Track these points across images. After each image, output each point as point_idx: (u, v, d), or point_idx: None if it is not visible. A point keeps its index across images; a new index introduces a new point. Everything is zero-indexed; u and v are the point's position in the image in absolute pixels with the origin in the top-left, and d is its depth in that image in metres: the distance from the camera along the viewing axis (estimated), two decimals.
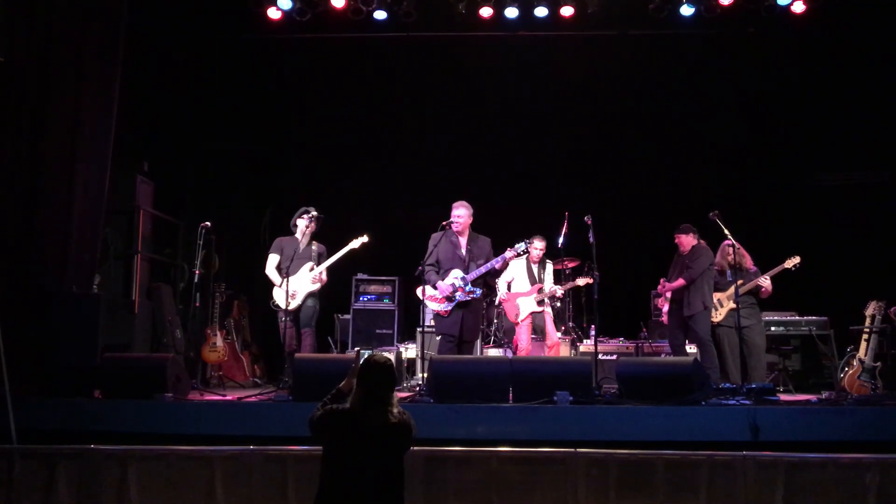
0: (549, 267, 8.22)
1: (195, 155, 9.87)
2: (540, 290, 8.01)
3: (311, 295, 7.48)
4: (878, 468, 5.13)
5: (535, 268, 8.13)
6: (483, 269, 6.86)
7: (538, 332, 8.12)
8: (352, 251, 7.54)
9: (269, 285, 7.54)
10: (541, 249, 8.11)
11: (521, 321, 8.03)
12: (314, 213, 7.56)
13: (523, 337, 8.02)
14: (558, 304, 8.67)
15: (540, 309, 8.03)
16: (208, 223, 7.78)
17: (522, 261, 8.05)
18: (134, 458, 5.43)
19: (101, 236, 7.56)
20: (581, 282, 8.04)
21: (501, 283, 8.20)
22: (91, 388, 6.40)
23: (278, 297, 7.40)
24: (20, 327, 6.66)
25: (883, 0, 8.56)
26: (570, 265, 8.49)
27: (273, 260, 7.54)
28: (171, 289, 9.21)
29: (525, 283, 8.11)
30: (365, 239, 7.54)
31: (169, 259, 9.46)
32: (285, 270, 7.33)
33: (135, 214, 8.60)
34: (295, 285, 7.35)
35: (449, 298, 6.83)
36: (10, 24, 7.12)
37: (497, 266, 6.91)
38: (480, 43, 9.40)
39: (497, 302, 8.58)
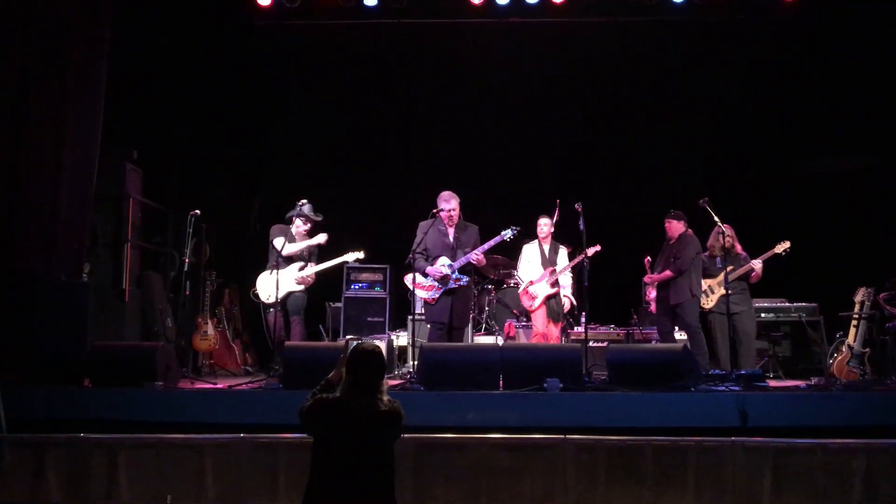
0: (563, 251, 7.93)
1: (184, 142, 9.80)
2: (552, 272, 7.75)
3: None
4: (865, 453, 5.18)
5: (546, 248, 7.87)
6: (470, 257, 6.87)
7: (555, 317, 7.76)
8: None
9: (257, 275, 7.49)
10: (548, 226, 7.84)
11: (535, 309, 7.81)
12: (307, 208, 7.44)
13: (539, 323, 7.82)
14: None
15: (555, 290, 7.73)
16: (198, 211, 7.72)
17: (535, 245, 7.93)
18: (124, 447, 5.44)
19: (90, 224, 7.51)
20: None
21: (521, 272, 7.98)
22: (81, 376, 6.40)
23: (261, 287, 7.33)
24: (8, 316, 6.65)
25: None
26: None
27: (280, 241, 7.27)
28: (162, 277, 9.16)
29: (538, 268, 7.85)
30: (360, 255, 7.45)
31: (159, 247, 9.41)
32: (274, 263, 7.21)
33: (124, 202, 8.51)
34: (280, 279, 7.26)
35: (442, 281, 6.82)
36: None
37: (481, 252, 6.87)
38: (471, 30, 9.35)
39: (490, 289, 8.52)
